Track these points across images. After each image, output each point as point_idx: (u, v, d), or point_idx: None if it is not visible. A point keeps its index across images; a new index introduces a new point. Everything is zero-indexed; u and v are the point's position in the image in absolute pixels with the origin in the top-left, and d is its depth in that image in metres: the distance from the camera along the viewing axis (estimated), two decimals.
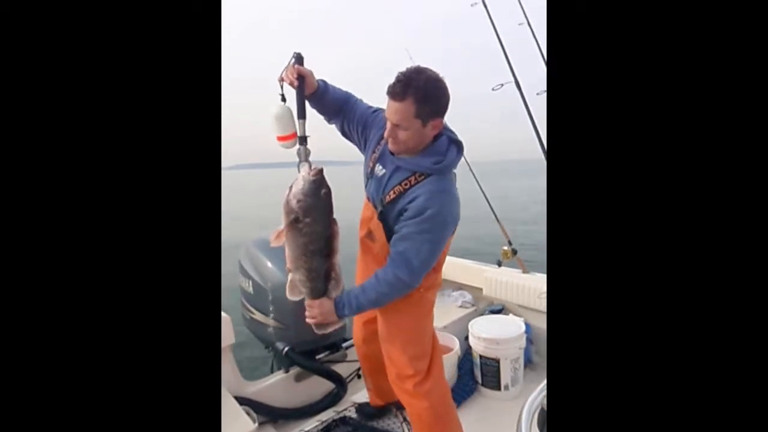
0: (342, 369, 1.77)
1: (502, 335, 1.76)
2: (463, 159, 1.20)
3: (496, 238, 2.27)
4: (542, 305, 1.89)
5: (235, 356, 1.63)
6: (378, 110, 1.24)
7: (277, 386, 1.70)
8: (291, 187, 1.07)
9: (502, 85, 1.91)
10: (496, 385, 1.78)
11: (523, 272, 2.07)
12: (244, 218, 10.60)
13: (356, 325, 1.53)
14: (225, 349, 1.55)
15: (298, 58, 1.13)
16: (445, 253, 1.24)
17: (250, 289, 1.73)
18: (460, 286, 2.32)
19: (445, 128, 1.15)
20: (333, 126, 1.31)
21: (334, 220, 1.10)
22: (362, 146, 1.28)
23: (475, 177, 2.19)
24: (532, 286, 1.96)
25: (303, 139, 1.14)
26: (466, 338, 1.89)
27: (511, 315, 2.04)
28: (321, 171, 1.07)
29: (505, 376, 1.76)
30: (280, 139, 1.18)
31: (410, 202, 1.11)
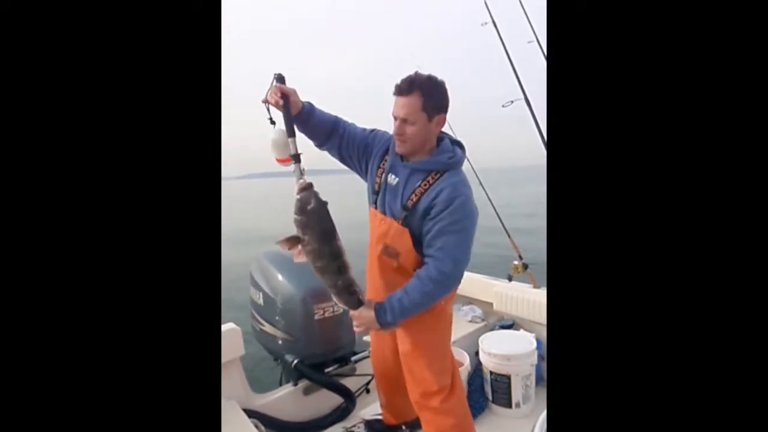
0: (351, 383, 1.76)
1: (513, 351, 1.73)
2: (470, 167, 1.23)
3: (501, 249, 2.23)
4: None
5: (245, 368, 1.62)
6: (374, 130, 1.29)
7: (286, 399, 1.69)
8: None
9: (512, 102, 1.94)
10: (507, 403, 1.74)
11: (534, 287, 2.05)
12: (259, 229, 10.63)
13: (374, 343, 1.49)
14: (234, 361, 1.55)
15: (279, 78, 1.14)
16: None
17: (261, 301, 1.74)
18: (470, 301, 2.30)
19: (444, 133, 1.23)
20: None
21: (335, 235, 1.08)
22: (362, 169, 1.29)
23: (482, 186, 2.18)
24: (543, 302, 1.93)
25: (296, 157, 1.15)
26: (476, 354, 1.87)
27: (522, 330, 2.01)
28: (306, 187, 1.07)
29: (516, 394, 1.73)
30: (279, 161, 1.21)
31: (435, 197, 1.12)
